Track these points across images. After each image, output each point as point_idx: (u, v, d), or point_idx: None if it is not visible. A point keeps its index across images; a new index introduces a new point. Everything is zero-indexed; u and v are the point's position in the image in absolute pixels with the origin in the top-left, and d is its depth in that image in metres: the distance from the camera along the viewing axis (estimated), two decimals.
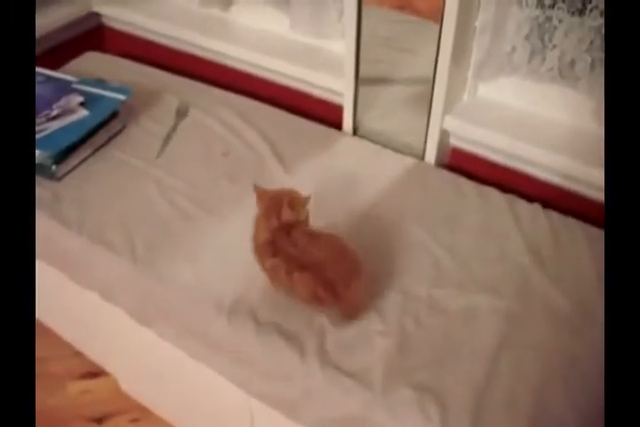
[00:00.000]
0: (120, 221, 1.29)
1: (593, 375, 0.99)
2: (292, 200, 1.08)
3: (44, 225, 1.30)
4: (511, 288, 1.15)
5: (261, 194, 1.11)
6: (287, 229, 1.07)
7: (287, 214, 1.07)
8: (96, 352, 1.75)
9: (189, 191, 1.35)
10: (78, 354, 1.81)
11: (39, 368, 1.81)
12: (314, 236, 1.10)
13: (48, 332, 1.83)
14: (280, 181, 1.37)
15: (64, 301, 1.59)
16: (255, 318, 1.11)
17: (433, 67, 1.29)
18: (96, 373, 1.79)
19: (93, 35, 1.88)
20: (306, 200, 1.09)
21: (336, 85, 1.49)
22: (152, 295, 1.22)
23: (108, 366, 1.73)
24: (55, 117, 1.38)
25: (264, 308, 1.13)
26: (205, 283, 1.18)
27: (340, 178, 1.38)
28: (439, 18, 1.22)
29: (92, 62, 1.75)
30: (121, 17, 1.82)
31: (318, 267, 1.05)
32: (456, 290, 1.15)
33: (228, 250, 1.23)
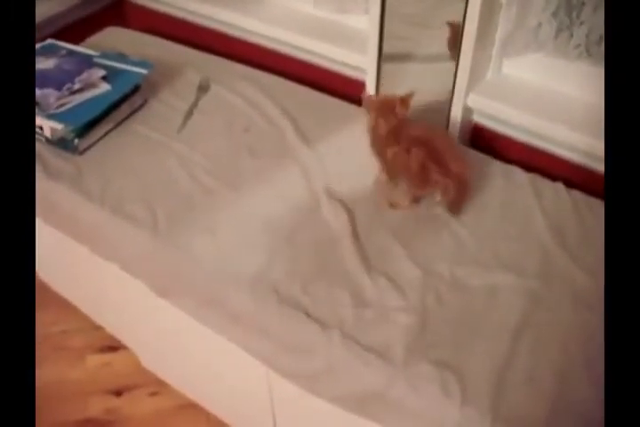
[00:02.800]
0: (141, 194, 1.29)
1: None
2: (403, 100, 1.24)
3: (66, 198, 1.31)
4: (533, 266, 1.15)
5: (369, 101, 1.28)
6: (402, 123, 1.24)
7: (401, 112, 1.24)
8: (116, 326, 1.77)
9: (210, 166, 1.35)
10: (98, 328, 1.83)
11: (59, 341, 1.85)
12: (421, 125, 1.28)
13: (68, 305, 1.85)
14: (301, 156, 1.37)
15: (85, 274, 1.61)
16: (276, 291, 1.12)
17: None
18: (115, 346, 1.81)
19: (115, 9, 1.87)
20: (410, 98, 1.25)
21: (358, 61, 1.48)
22: (173, 267, 1.22)
23: (128, 339, 1.75)
24: (77, 91, 1.38)
25: (285, 281, 1.13)
26: (226, 256, 1.18)
27: (361, 154, 1.37)
28: None
29: (114, 37, 1.75)
30: None
31: (429, 145, 1.21)
32: (477, 268, 1.15)
33: (249, 223, 1.24)
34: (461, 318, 1.08)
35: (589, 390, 0.97)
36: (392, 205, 1.26)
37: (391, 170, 1.27)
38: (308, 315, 1.09)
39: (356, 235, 1.21)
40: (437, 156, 1.20)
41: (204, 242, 1.21)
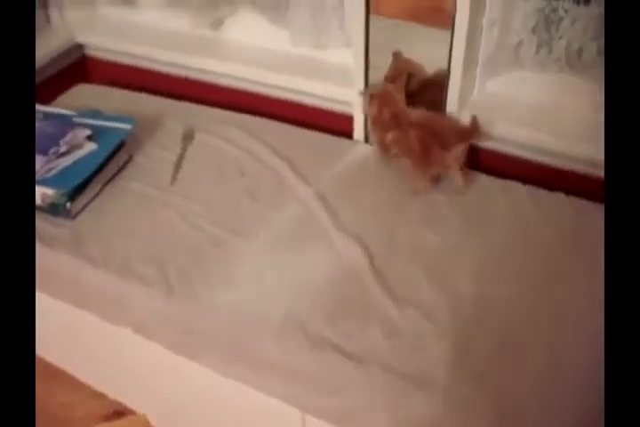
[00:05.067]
0: (147, 252, 1.26)
1: None
2: (411, 74, 1.36)
3: (66, 265, 1.27)
4: (546, 276, 1.16)
5: (370, 94, 1.38)
6: (402, 111, 1.34)
7: (398, 95, 1.34)
8: (123, 391, 1.69)
9: (212, 214, 1.33)
10: (97, 395, 1.75)
11: (61, 414, 1.76)
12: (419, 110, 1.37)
13: (60, 375, 1.76)
14: (301, 193, 1.36)
15: (85, 341, 1.54)
16: (305, 333, 1.09)
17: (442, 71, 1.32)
18: (122, 412, 1.73)
19: (78, 66, 1.84)
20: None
21: (342, 95, 1.48)
22: (193, 325, 1.18)
23: (138, 403, 1.68)
24: (64, 154, 1.34)
25: (313, 321, 1.11)
26: (247, 304, 1.15)
27: (359, 185, 1.38)
28: (449, 24, 1.24)
29: (83, 94, 1.71)
30: (107, 45, 1.78)
31: (427, 126, 1.31)
32: (498, 284, 1.15)
33: (263, 268, 1.22)
34: (497, 335, 1.07)
35: None
36: (416, 192, 1.34)
37: (388, 152, 1.39)
38: (341, 353, 1.06)
39: (374, 266, 1.20)
40: (437, 135, 1.30)
41: (220, 294, 1.18)
